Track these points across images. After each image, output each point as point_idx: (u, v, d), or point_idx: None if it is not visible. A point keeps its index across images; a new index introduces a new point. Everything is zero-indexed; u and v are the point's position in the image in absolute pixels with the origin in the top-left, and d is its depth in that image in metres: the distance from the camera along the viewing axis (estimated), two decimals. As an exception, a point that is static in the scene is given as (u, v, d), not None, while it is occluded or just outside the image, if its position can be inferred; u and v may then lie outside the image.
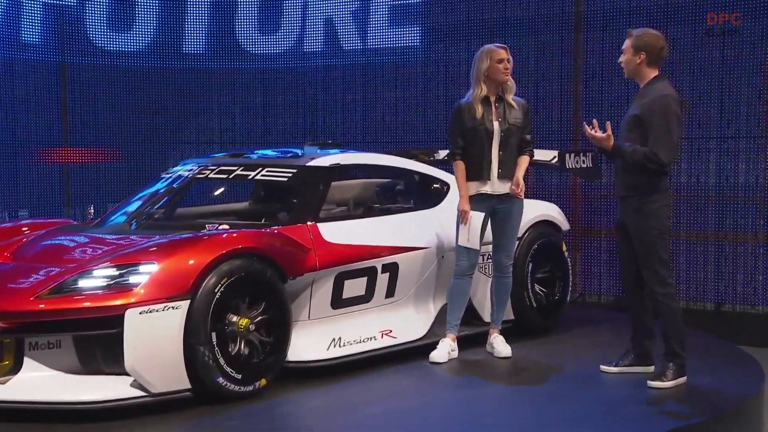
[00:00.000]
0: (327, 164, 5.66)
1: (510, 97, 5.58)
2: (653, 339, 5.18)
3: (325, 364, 5.13)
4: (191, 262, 4.50)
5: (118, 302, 4.31)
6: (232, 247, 4.65)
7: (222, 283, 4.54)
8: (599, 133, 4.93)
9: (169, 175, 6.01)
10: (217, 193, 6.79)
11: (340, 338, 5.27)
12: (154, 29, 9.51)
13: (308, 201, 5.44)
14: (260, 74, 9.75)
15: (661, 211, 4.91)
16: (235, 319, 4.64)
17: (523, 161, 5.63)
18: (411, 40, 9.11)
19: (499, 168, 5.54)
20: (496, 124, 5.53)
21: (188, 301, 4.43)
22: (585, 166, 6.70)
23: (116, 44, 9.33)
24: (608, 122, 5.01)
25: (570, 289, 6.59)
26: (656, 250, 4.90)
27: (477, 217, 5.53)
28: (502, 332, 5.82)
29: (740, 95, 7.59)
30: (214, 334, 4.50)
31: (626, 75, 5.09)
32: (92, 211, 6.31)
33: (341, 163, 5.76)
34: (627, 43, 5.03)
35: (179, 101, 9.64)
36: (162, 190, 5.90)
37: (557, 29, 8.34)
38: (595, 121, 5.00)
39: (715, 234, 7.78)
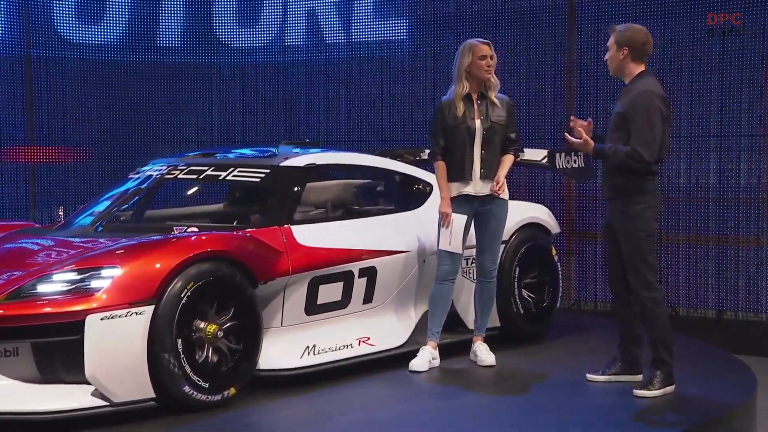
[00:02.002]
0: (302, 164, 5.76)
1: (493, 95, 5.68)
2: (641, 346, 5.28)
3: (298, 373, 5.22)
4: (156, 265, 4.59)
5: (78, 308, 4.40)
6: (200, 251, 4.74)
7: (188, 287, 4.63)
8: (576, 140, 5.06)
9: (138, 175, 6.11)
10: (189, 193, 6.88)
11: (314, 346, 5.37)
12: (126, 20, 9.58)
13: (281, 203, 5.54)
14: (239, 69, 9.86)
15: (648, 213, 5.01)
16: (202, 325, 4.73)
17: (507, 160, 5.73)
18: (398, 33, 9.22)
19: (481, 168, 5.64)
20: (477, 123, 5.64)
21: (153, 307, 4.52)
22: (577, 165, 6.81)
23: (85, 36, 9.40)
24: (580, 128, 5.10)
25: (560, 295, 6.71)
26: (642, 254, 5.01)
27: (459, 220, 5.63)
28: (486, 340, 5.93)
29: (741, 92, 7.72)
30: (179, 341, 4.59)
31: (611, 72, 5.21)
32: (62, 213, 6.39)
33: (317, 163, 5.86)
34: (610, 40, 5.16)
35: (153, 97, 9.73)
36: (130, 191, 6.00)
37: (550, 22, 8.46)
38: (578, 122, 5.12)
39: (716, 237, 7.90)
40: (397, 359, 5.70)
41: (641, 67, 5.10)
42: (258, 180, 5.68)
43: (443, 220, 5.64)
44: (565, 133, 5.22)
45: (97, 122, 9.48)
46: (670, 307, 7.95)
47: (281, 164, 5.74)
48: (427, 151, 7.09)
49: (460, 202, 5.67)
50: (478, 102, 5.68)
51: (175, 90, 9.82)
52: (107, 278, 4.50)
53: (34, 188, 9.15)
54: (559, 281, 6.67)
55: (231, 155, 6.19)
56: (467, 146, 5.63)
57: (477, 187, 5.67)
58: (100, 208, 5.91)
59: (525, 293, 6.41)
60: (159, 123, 9.81)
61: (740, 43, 7.64)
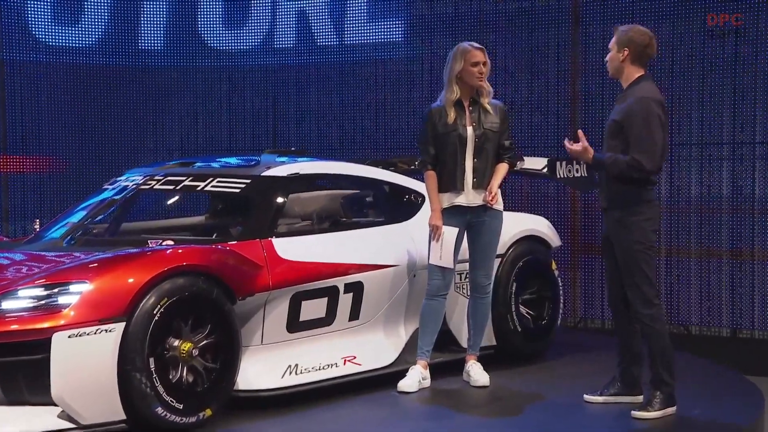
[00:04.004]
0: (284, 174, 5.83)
1: (486, 101, 5.76)
2: (642, 365, 5.34)
3: (279, 393, 5.28)
4: (128, 280, 4.65)
5: (44, 325, 4.47)
6: (174, 264, 4.81)
7: (162, 303, 4.70)
8: (576, 146, 5.16)
9: (113, 185, 6.19)
10: (169, 204, 6.94)
11: (297, 365, 5.43)
12: (105, 22, 9.66)
13: (262, 214, 5.61)
14: (226, 73, 9.95)
15: (645, 225, 5.09)
16: (176, 343, 4.80)
17: (501, 169, 5.80)
18: (393, 35, 9.31)
19: (473, 177, 5.72)
20: (469, 130, 5.72)
21: (123, 324, 4.59)
22: (578, 175, 6.87)
23: (62, 39, 9.47)
24: (580, 131, 5.22)
25: (560, 312, 6.76)
26: (640, 267, 5.09)
27: (450, 233, 5.70)
28: (481, 359, 5.99)
29: (755, 97, 7.79)
30: (152, 360, 4.65)
31: (610, 74, 5.30)
32: (37, 226, 6.50)
33: (301, 172, 5.94)
34: (612, 40, 5.25)
35: (134, 103, 9.81)
36: (104, 203, 6.08)
37: (554, 23, 8.54)
38: (580, 132, 5.22)
39: (730, 251, 7.95)
40: (386, 379, 5.75)
41: (641, 72, 5.18)
42: (238, 190, 5.75)
43: (433, 233, 5.72)
44: (566, 138, 5.30)
45: (75, 130, 9.52)
46: (681, 325, 8.01)
47: (263, 174, 5.82)
48: (422, 159, 7.19)
49: (452, 214, 5.74)
50: (470, 108, 5.76)
51: (158, 95, 9.91)
52: (76, 294, 4.57)
53: (7, 200, 9.22)
54: (560, 297, 6.73)
55: (212, 164, 6.27)
56: (458, 154, 5.70)
57: (469, 197, 5.74)
58: (73, 220, 5.97)
59: (523, 310, 6.47)
60: (140, 130, 9.89)
61: (754, 46, 7.71)
